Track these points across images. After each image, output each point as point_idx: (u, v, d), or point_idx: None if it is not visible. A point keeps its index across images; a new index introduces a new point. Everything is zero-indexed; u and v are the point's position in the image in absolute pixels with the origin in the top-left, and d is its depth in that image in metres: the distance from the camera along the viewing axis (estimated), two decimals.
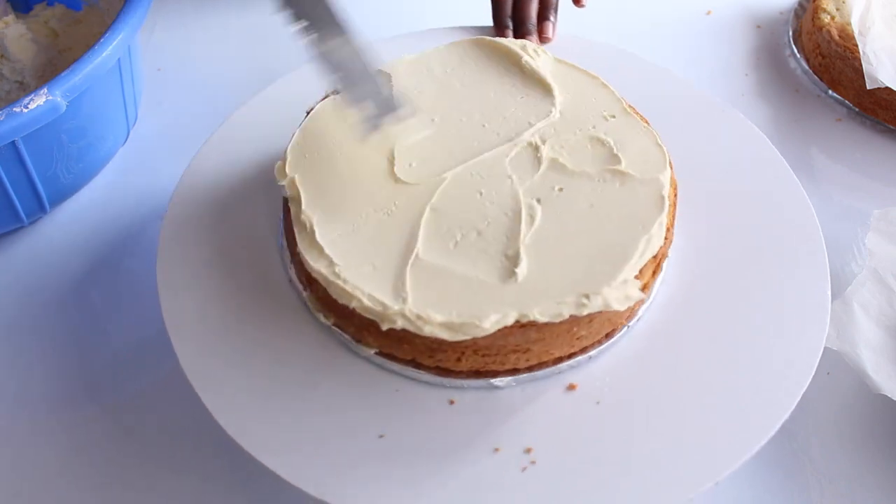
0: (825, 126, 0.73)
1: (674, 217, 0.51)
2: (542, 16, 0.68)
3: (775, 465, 0.52)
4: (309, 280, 0.49)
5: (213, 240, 0.54)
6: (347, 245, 0.48)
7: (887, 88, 0.69)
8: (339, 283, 0.46)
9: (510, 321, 0.44)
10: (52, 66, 0.69)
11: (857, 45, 0.71)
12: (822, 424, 0.54)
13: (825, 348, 0.52)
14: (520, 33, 0.68)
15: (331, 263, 0.47)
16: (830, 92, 0.74)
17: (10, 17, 0.70)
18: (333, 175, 0.52)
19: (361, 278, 0.46)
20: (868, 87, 0.69)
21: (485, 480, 0.44)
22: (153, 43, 0.79)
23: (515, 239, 0.48)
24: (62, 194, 0.63)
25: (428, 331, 0.44)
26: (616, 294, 0.45)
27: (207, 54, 0.79)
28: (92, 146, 0.62)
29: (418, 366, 0.48)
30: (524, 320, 0.44)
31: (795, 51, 0.78)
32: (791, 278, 0.52)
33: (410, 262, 0.47)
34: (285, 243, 0.53)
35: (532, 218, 0.49)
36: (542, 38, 0.67)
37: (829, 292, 0.51)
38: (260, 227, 0.55)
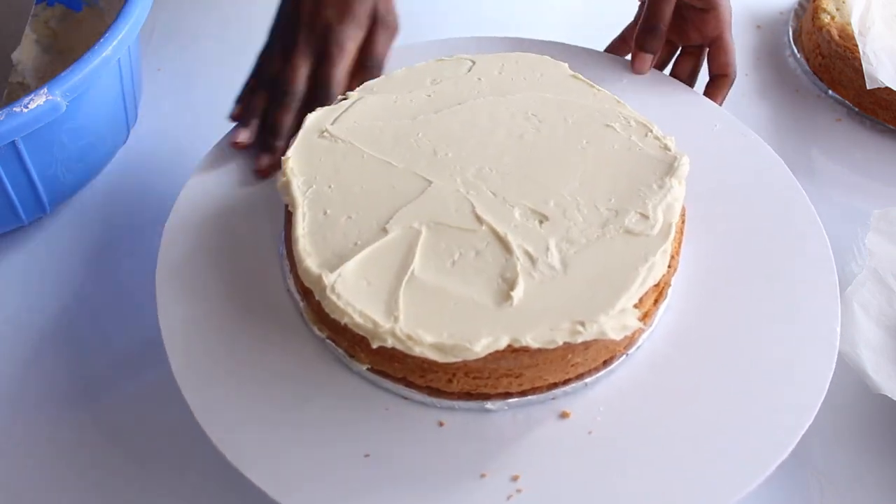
0: (825, 126, 0.73)
1: (680, 245, 0.50)
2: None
3: None
4: (305, 292, 0.48)
5: (213, 248, 0.53)
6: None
7: (887, 88, 0.69)
8: (333, 297, 0.45)
9: (502, 345, 0.43)
10: (52, 66, 0.69)
11: (857, 45, 0.71)
12: (822, 424, 0.54)
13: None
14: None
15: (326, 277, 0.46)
16: (830, 92, 0.74)
17: None
18: (336, 188, 0.51)
19: (355, 294, 0.45)
20: (868, 87, 0.69)
21: None
22: (153, 43, 0.79)
23: (514, 261, 0.46)
24: (62, 194, 0.63)
25: (418, 351, 0.43)
26: (613, 323, 0.44)
27: (207, 54, 0.79)
28: (92, 146, 0.62)
29: (410, 384, 0.47)
30: (517, 345, 0.43)
31: (795, 51, 0.78)
32: (799, 312, 0.50)
33: (405, 279, 0.46)
34: (286, 252, 0.52)
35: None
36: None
37: (839, 329, 0.49)
38: (262, 234, 0.54)
